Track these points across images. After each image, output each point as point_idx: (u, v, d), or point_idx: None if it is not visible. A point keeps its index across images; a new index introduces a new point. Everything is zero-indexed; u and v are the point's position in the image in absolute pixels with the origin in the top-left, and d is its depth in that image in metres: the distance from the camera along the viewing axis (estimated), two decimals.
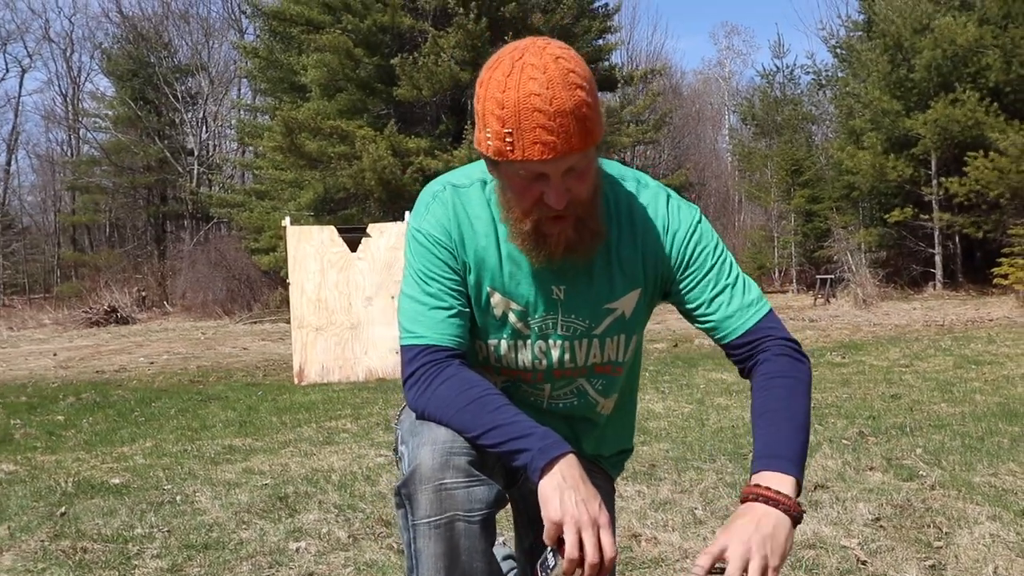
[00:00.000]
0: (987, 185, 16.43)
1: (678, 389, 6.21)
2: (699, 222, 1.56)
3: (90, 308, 21.11)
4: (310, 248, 8.70)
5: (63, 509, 3.49)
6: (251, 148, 28.89)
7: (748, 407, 1.54)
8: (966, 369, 6.90)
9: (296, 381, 8.14)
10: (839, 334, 11.06)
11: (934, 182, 18.36)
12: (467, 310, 1.51)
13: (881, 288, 17.80)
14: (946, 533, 2.79)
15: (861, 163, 18.90)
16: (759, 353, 1.50)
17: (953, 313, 14.07)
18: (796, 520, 1.31)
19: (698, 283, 1.56)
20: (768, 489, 1.32)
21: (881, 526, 2.89)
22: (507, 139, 1.30)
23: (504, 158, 1.33)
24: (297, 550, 2.87)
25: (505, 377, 1.62)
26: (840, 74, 23.51)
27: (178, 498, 3.63)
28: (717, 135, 40.02)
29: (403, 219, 9.18)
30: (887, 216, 19.27)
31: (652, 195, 1.56)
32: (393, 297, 8.61)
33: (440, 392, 1.41)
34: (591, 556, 1.27)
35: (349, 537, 2.98)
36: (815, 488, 3.36)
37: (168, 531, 3.14)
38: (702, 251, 1.56)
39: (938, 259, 19.06)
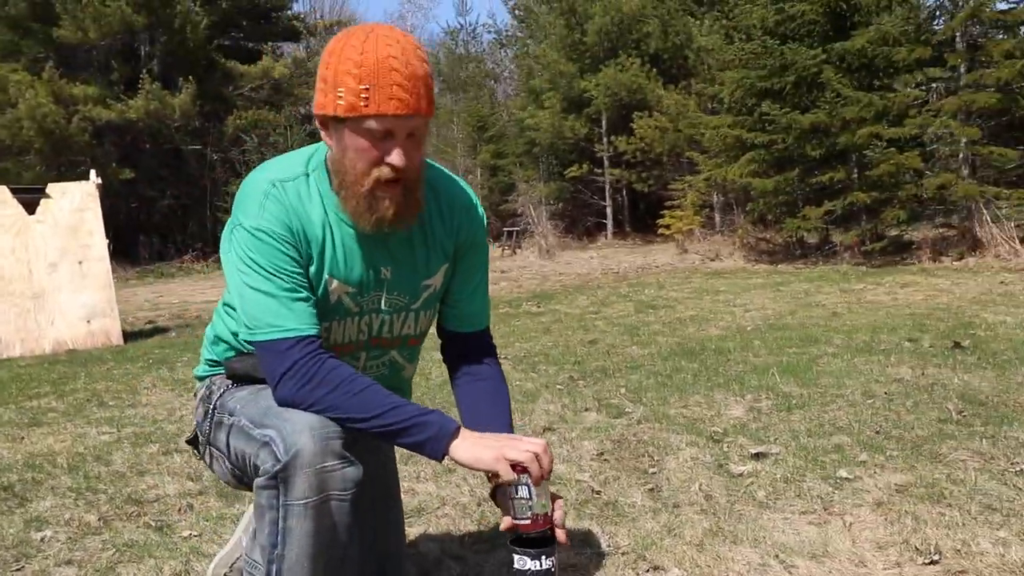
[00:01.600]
0: (651, 143, 18.22)
1: None
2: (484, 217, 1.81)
3: None
4: None
5: None
6: None
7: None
8: (645, 313, 7.76)
9: None
10: (530, 284, 11.86)
11: (605, 140, 20.02)
12: (315, 298, 1.59)
13: (561, 239, 19.22)
14: (657, 460, 3.24)
15: (542, 121, 20.18)
16: (482, 354, 1.82)
17: (625, 260, 15.55)
18: None
19: (469, 271, 1.80)
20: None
21: (605, 459, 3.29)
22: (363, 95, 1.43)
23: (356, 113, 1.44)
24: (43, 539, 2.72)
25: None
26: (520, 35, 24.74)
27: None
28: None
29: (87, 178, 8.50)
30: (566, 171, 20.76)
31: (451, 180, 1.76)
32: (81, 263, 8.00)
33: (330, 381, 1.49)
34: (544, 455, 1.51)
35: (99, 520, 2.87)
36: (544, 431, 3.73)
37: None
38: (482, 243, 1.81)
39: (609, 211, 20.90)
